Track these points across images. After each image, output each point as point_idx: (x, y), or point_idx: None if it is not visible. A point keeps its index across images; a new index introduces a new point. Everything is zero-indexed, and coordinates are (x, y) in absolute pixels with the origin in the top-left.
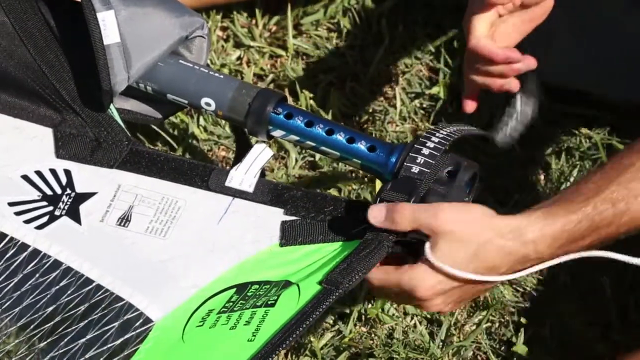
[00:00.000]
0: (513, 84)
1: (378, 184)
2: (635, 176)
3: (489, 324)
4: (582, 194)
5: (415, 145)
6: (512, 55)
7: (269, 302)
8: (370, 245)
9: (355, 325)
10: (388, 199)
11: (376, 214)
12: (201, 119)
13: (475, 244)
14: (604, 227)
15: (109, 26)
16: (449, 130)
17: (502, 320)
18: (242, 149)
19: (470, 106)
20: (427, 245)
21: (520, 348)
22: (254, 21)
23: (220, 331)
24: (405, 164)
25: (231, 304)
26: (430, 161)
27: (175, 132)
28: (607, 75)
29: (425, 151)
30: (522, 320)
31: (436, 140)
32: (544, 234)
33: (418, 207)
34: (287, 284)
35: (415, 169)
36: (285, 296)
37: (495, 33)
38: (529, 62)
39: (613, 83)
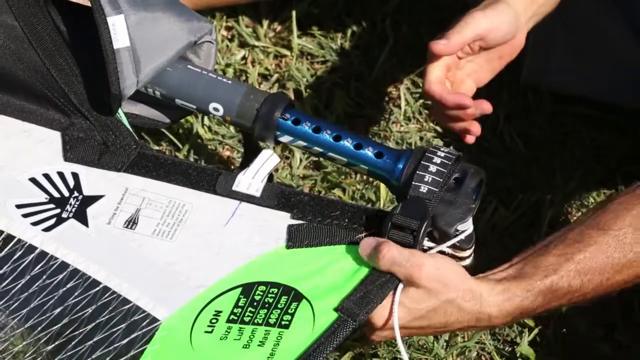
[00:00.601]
0: (474, 128)
1: (383, 186)
2: (591, 256)
3: None
4: (541, 270)
5: (422, 162)
6: (462, 102)
7: (283, 323)
8: (386, 274)
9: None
10: (399, 223)
11: (364, 248)
12: (206, 119)
13: (440, 301)
14: (556, 300)
15: (118, 30)
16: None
17: None
18: (249, 153)
19: (468, 138)
20: (400, 287)
21: (525, 348)
22: (258, 21)
23: (232, 346)
24: (413, 183)
25: (240, 309)
26: (438, 179)
27: (180, 132)
28: (610, 86)
29: (433, 168)
30: (526, 320)
31: (442, 154)
32: (501, 309)
33: (401, 253)
34: (297, 295)
35: (424, 189)
36: (298, 318)
37: (459, 74)
38: (483, 107)
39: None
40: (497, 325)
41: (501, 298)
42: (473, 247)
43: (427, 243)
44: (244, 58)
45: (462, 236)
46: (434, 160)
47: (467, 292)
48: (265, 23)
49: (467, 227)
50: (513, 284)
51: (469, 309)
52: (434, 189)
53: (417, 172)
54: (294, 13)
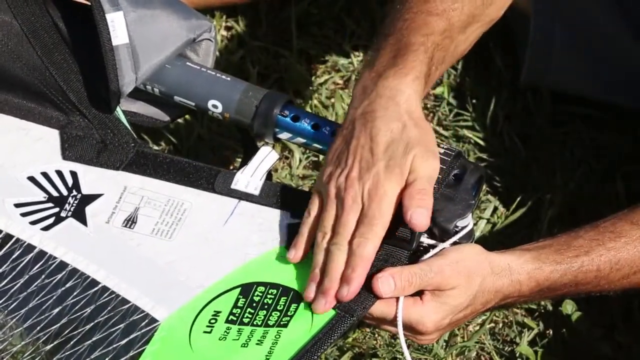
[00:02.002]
0: None
1: None
2: (622, 246)
3: (492, 324)
4: (572, 249)
5: None
6: None
7: (282, 323)
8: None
9: (358, 325)
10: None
11: (386, 290)
12: (205, 119)
13: (475, 289)
14: (583, 284)
15: (117, 27)
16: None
17: (506, 320)
18: (248, 152)
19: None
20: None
21: (524, 349)
22: (258, 21)
23: (231, 346)
24: None
25: (239, 310)
26: (438, 176)
27: (180, 132)
28: (610, 86)
29: None
30: (526, 320)
31: (441, 151)
32: (530, 276)
33: (414, 273)
34: (296, 296)
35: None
36: (297, 317)
37: None
38: None
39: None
40: (527, 298)
41: (531, 266)
42: (473, 243)
43: (427, 240)
44: (243, 57)
45: (462, 233)
46: None
47: (494, 269)
48: (265, 23)
49: (466, 223)
50: (543, 254)
51: (501, 283)
52: (433, 185)
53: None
54: (293, 13)
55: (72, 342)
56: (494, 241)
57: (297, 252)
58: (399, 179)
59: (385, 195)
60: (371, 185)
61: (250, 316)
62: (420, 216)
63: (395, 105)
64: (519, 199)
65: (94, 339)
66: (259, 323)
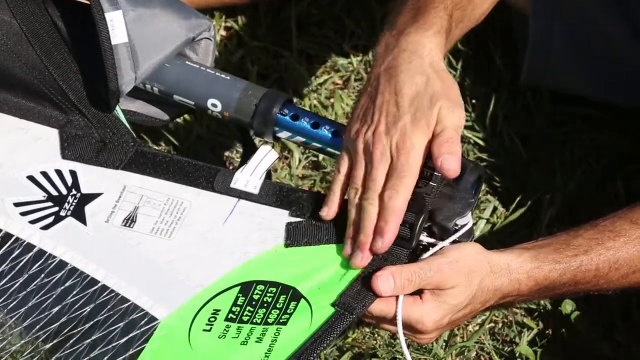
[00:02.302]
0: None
1: None
2: (621, 246)
3: (492, 324)
4: (571, 248)
5: None
6: None
7: (281, 321)
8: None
9: (358, 325)
10: None
11: (386, 289)
12: (205, 118)
13: (474, 288)
14: (582, 284)
15: (117, 26)
16: None
17: (506, 320)
18: (247, 151)
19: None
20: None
21: (524, 349)
22: (257, 21)
23: (230, 344)
24: None
25: (238, 308)
26: (437, 174)
27: (179, 131)
28: (610, 86)
29: (431, 163)
30: (526, 320)
31: None
32: (529, 276)
33: (414, 272)
34: (295, 294)
35: (422, 183)
36: (297, 315)
37: None
38: None
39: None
40: (525, 297)
41: (530, 265)
42: (472, 242)
43: (427, 239)
44: (242, 57)
45: (461, 231)
46: None
47: (493, 268)
48: (265, 23)
49: (466, 221)
50: (542, 253)
51: (500, 282)
52: (432, 183)
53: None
54: (293, 13)
55: (71, 341)
56: (494, 241)
57: (329, 209)
58: (426, 131)
59: (413, 148)
60: (399, 139)
61: (249, 314)
62: (450, 161)
63: (419, 59)
64: (518, 198)
65: (93, 337)
66: (259, 321)
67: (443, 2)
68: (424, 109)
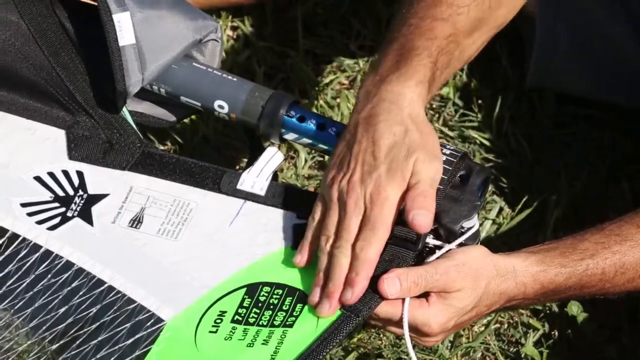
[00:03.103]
0: None
1: None
2: (628, 250)
3: (497, 324)
4: (577, 252)
5: None
6: None
7: (287, 323)
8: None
9: (364, 325)
10: (403, 219)
11: (392, 291)
12: (211, 119)
13: (480, 291)
14: (588, 287)
15: (124, 28)
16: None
17: (511, 321)
18: (254, 152)
19: None
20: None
21: (530, 349)
22: (264, 21)
23: (236, 346)
24: None
25: (244, 310)
26: (443, 177)
27: (185, 132)
28: (615, 87)
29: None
30: (531, 321)
31: (447, 152)
32: (535, 279)
33: (420, 274)
34: (302, 296)
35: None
36: (303, 317)
37: None
38: None
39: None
40: (531, 300)
41: (536, 269)
42: (478, 244)
43: (433, 241)
44: (249, 57)
45: (468, 234)
46: None
47: (499, 271)
48: (271, 23)
49: (472, 224)
50: (548, 257)
51: (506, 286)
52: (439, 186)
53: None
54: (299, 13)
55: (77, 342)
56: (500, 242)
57: (302, 257)
58: (401, 183)
59: (387, 199)
60: (373, 189)
61: (255, 316)
62: (422, 218)
63: (398, 109)
64: (524, 199)
65: (99, 338)
66: (265, 323)
67: (427, 49)
68: (400, 160)
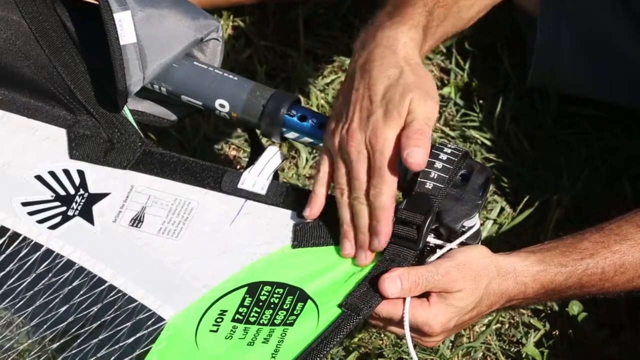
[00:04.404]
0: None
1: None
2: (627, 250)
3: (498, 324)
4: (577, 251)
5: (429, 159)
6: None
7: (288, 322)
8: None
9: (364, 325)
10: (404, 218)
11: (392, 291)
12: (212, 118)
13: (481, 291)
14: (587, 287)
15: (125, 26)
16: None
17: (512, 321)
18: (255, 151)
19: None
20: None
21: (530, 349)
22: (265, 20)
23: (237, 345)
24: (419, 179)
25: (245, 309)
26: (444, 176)
27: (186, 131)
28: (616, 87)
29: (439, 165)
30: (532, 321)
31: (448, 151)
32: (535, 279)
33: (421, 274)
34: (302, 295)
35: (430, 185)
36: (304, 316)
37: None
38: None
39: (622, 93)
40: (531, 300)
41: (536, 269)
42: (479, 244)
43: (434, 240)
44: (250, 57)
45: (469, 233)
46: (440, 157)
47: (500, 271)
48: (272, 22)
49: (473, 223)
50: (548, 257)
51: (506, 286)
52: (440, 185)
53: (424, 168)
54: (300, 12)
55: (78, 341)
56: (501, 241)
57: (312, 209)
58: (399, 121)
59: (387, 141)
60: (371, 133)
61: (256, 315)
62: (416, 155)
63: (393, 53)
64: (525, 199)
65: (100, 337)
66: (265, 322)
67: (422, 0)
68: (395, 100)
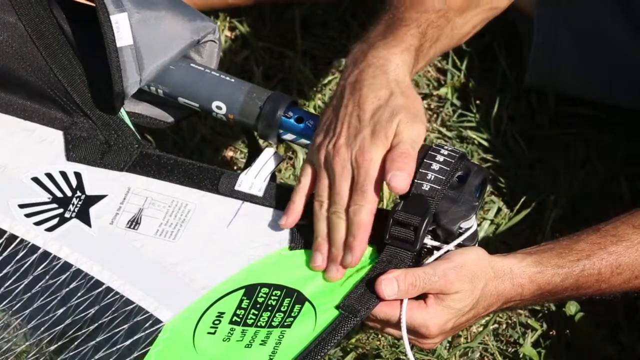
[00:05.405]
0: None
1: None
2: (624, 251)
3: (496, 325)
4: (574, 252)
5: (425, 160)
6: None
7: (285, 324)
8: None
9: (362, 326)
10: (401, 219)
11: (389, 293)
12: (209, 119)
13: (477, 293)
14: (584, 288)
15: (122, 29)
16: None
17: (510, 321)
18: (252, 153)
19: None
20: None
21: (528, 350)
22: (262, 21)
23: (235, 347)
24: (415, 180)
25: (243, 311)
26: (441, 177)
27: (183, 133)
28: (614, 87)
29: (435, 166)
30: (530, 321)
31: (445, 153)
32: (532, 280)
33: (418, 276)
34: (300, 297)
35: (426, 186)
36: (301, 318)
37: None
38: None
39: (620, 94)
40: (528, 301)
41: (533, 270)
42: (476, 245)
43: (431, 242)
44: (247, 58)
45: (466, 234)
46: (436, 159)
47: (497, 273)
48: (269, 23)
49: (470, 224)
50: (544, 258)
51: (503, 287)
52: (437, 186)
53: (420, 169)
54: (297, 13)
55: (76, 343)
56: (498, 242)
57: (288, 219)
58: (385, 143)
59: (372, 161)
60: (358, 152)
61: (254, 317)
62: (398, 179)
63: (384, 74)
64: (522, 199)
65: (98, 339)
66: (263, 324)
67: (416, 21)
68: (384, 122)
